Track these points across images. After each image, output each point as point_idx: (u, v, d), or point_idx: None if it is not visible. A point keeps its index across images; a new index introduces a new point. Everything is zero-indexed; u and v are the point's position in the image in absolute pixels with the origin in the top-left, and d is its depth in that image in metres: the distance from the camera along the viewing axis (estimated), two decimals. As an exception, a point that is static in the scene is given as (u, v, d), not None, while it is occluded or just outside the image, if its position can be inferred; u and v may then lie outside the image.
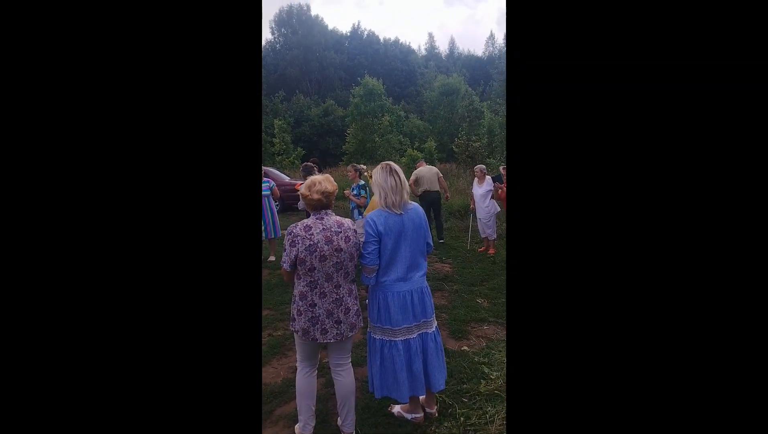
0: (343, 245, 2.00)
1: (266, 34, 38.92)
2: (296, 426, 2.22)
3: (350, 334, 2.08)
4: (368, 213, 2.20)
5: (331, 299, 2.01)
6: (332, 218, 2.04)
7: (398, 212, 2.08)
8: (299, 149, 20.18)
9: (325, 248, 1.96)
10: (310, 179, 2.05)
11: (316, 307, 2.00)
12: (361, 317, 2.14)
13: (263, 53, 34.23)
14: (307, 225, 2.00)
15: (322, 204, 2.02)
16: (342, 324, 2.04)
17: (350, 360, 2.21)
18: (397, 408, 2.37)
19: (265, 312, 4.11)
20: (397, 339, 2.13)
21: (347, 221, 2.08)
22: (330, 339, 2.03)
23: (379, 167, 2.17)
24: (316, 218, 2.02)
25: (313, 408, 2.17)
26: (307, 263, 1.97)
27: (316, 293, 2.00)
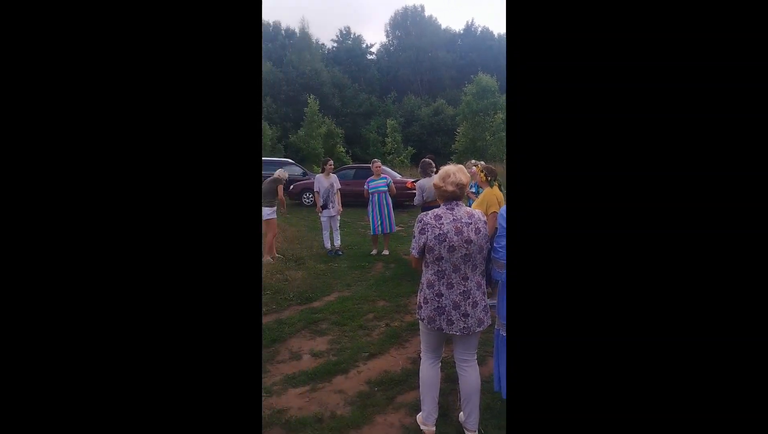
0: (473, 236, 1.95)
1: (381, 37, 40.19)
2: (419, 416, 2.24)
3: (477, 330, 2.03)
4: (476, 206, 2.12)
5: (459, 291, 1.98)
6: (462, 209, 2.00)
7: None
8: (410, 148, 20.51)
9: (455, 238, 1.94)
10: (444, 170, 2.04)
11: (443, 297, 1.99)
12: (489, 314, 2.07)
13: (377, 56, 35.48)
14: (437, 214, 1.99)
15: (455, 196, 2.00)
16: (470, 318, 1.99)
17: (476, 357, 2.16)
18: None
19: (381, 303, 4.25)
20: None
21: (477, 213, 2.02)
22: (455, 331, 2.00)
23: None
24: (447, 209, 2.00)
25: (437, 400, 2.17)
26: (435, 252, 1.96)
27: (443, 284, 1.99)
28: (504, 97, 21.89)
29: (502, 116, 19.97)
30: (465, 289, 1.99)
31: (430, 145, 26.15)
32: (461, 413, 2.20)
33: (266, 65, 25.96)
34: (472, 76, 21.96)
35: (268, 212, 5.95)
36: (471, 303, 2.00)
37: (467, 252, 1.96)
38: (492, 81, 20.80)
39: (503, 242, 2.00)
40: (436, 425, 2.20)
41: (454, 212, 1.98)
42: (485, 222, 2.02)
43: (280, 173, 6.30)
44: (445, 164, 2.20)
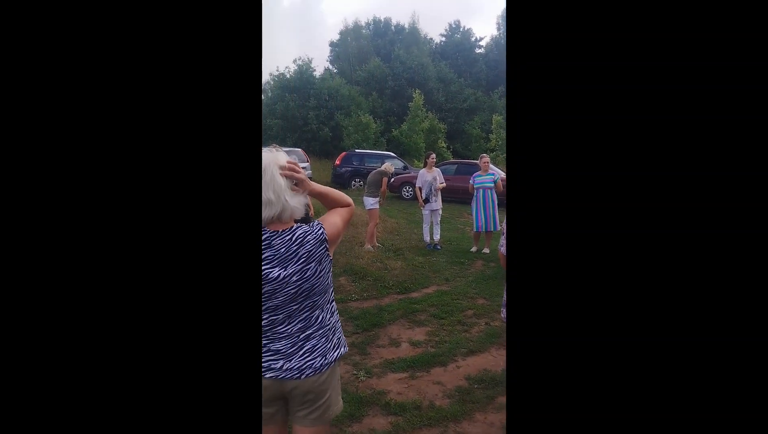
0: None
1: (491, 30, 38.95)
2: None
3: None
4: None
5: None
6: None
7: None
8: (514, 145, 19.68)
9: None
10: None
11: None
12: None
13: (485, 50, 34.46)
14: None
15: None
16: None
17: None
18: None
19: (480, 301, 4.16)
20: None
21: None
22: None
23: None
24: None
25: None
26: None
27: None
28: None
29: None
30: None
31: (536, 143, 24.75)
32: None
33: (374, 61, 26.72)
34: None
35: (371, 202, 6.14)
36: None
37: None
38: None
39: None
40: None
41: None
42: None
43: (387, 166, 6.46)
44: None
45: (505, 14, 37.66)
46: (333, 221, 1.40)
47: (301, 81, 22.12)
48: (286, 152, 1.44)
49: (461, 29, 34.69)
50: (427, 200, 6.17)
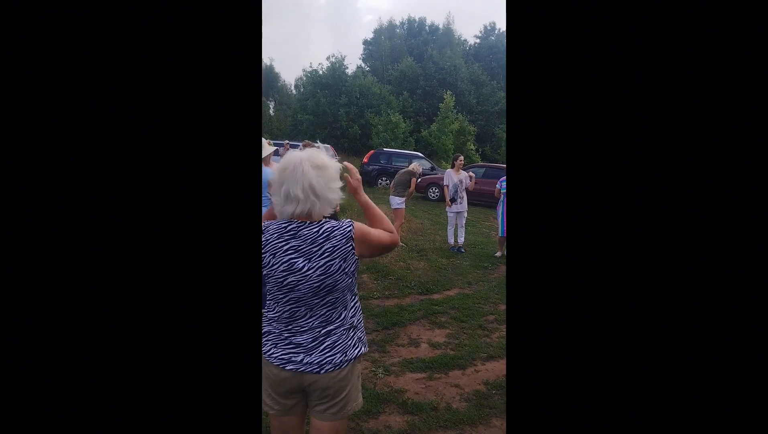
0: None
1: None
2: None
3: None
4: None
5: None
6: None
7: None
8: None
9: None
10: None
11: None
12: None
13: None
14: None
15: None
16: None
17: None
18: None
19: (503, 307, 4.11)
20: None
21: None
22: None
23: None
24: None
25: None
26: None
27: None
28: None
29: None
30: None
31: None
32: None
33: (407, 60, 26.69)
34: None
35: (397, 202, 6.15)
36: None
37: None
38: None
39: None
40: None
41: None
42: None
43: (415, 166, 6.45)
44: None
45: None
46: (367, 230, 1.39)
47: (334, 78, 22.31)
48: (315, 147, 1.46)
49: (496, 31, 34.23)
50: (453, 201, 6.14)
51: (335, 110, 21.24)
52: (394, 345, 3.19)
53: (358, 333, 1.42)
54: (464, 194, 6.17)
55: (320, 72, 22.91)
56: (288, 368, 1.34)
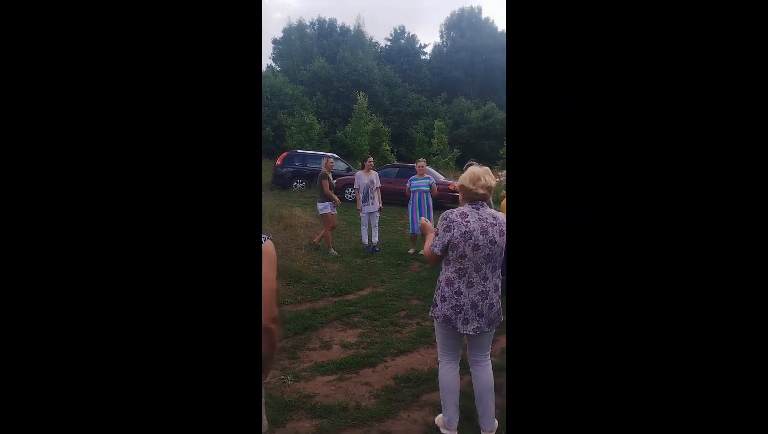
0: (497, 238, 1.97)
1: (435, 38, 39.93)
2: (439, 418, 2.24)
3: (486, 329, 2.03)
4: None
5: (478, 291, 1.98)
6: (487, 210, 2.02)
7: None
8: (456, 150, 20.31)
9: (480, 237, 1.95)
10: (473, 172, 2.04)
11: (462, 296, 1.99)
12: (500, 316, 2.07)
13: (430, 56, 35.30)
14: (463, 212, 2.00)
15: (484, 198, 2.03)
16: (483, 318, 2.00)
17: (489, 357, 2.16)
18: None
19: (414, 302, 4.25)
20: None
21: (502, 215, 2.03)
22: (470, 331, 2.00)
23: None
24: (473, 207, 2.01)
25: (458, 404, 2.15)
26: (459, 250, 1.97)
27: (463, 282, 1.99)
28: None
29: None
30: (484, 289, 1.99)
31: (477, 148, 25.74)
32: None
33: (319, 61, 26.48)
34: (525, 80, 21.38)
35: (320, 207, 6.07)
36: (488, 304, 2.01)
37: (490, 252, 1.97)
38: (546, 87, 20.17)
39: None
40: (460, 428, 2.18)
41: (479, 212, 2.00)
42: (505, 224, 2.01)
43: (324, 163, 6.34)
44: (491, 169, 2.20)
45: (448, 23, 38.74)
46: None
47: (243, 78, 21.39)
48: None
49: (406, 35, 35.24)
50: (364, 202, 6.22)
51: (246, 111, 20.38)
52: (306, 350, 3.16)
53: None
54: (375, 195, 6.28)
55: (228, 71, 21.84)
56: None
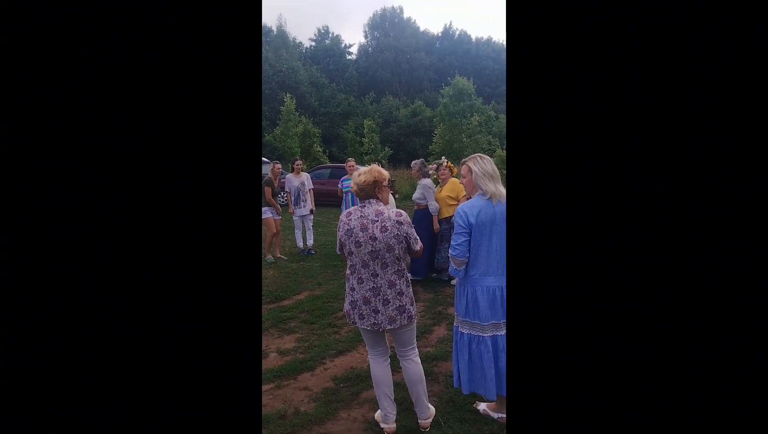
0: (378, 234, 1.99)
1: (359, 38, 40.12)
2: (377, 414, 2.27)
3: (389, 327, 2.04)
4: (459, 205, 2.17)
5: (368, 287, 2.03)
6: (372, 208, 2.05)
7: (494, 203, 2.05)
8: (387, 148, 20.56)
9: (360, 234, 2.01)
10: (357, 170, 2.12)
11: (355, 292, 2.07)
12: (406, 314, 2.06)
13: (356, 56, 35.43)
14: (348, 211, 2.11)
15: (361, 195, 2.09)
16: (380, 315, 2.03)
17: (415, 349, 2.20)
18: (482, 406, 2.32)
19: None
20: (485, 335, 2.08)
21: (390, 212, 2.04)
22: (366, 326, 2.05)
23: (476, 156, 2.17)
24: (360, 206, 2.09)
25: (391, 397, 2.19)
26: (346, 247, 2.06)
27: (355, 278, 2.07)
28: (480, 100, 22.24)
29: (478, 118, 20.24)
30: (375, 285, 2.03)
31: (407, 146, 26.27)
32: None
33: (243, 63, 25.57)
34: (449, 78, 22.19)
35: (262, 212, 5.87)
36: (381, 300, 2.03)
37: (373, 249, 2.00)
38: (469, 84, 21.06)
39: (460, 240, 2.05)
40: (399, 420, 2.22)
41: (364, 210, 2.06)
42: (399, 223, 2.02)
43: (270, 168, 6.17)
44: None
45: (371, 23, 39.10)
46: None
47: (159, 82, 20.14)
48: None
49: (330, 35, 35.08)
50: (296, 205, 6.12)
51: (165, 117, 19.21)
52: (241, 362, 3.05)
53: None
54: (307, 197, 6.20)
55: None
56: None
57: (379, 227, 2.00)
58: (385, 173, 2.14)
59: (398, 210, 2.09)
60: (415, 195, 4.72)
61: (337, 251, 2.14)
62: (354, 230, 2.02)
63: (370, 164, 2.35)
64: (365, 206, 2.07)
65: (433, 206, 4.59)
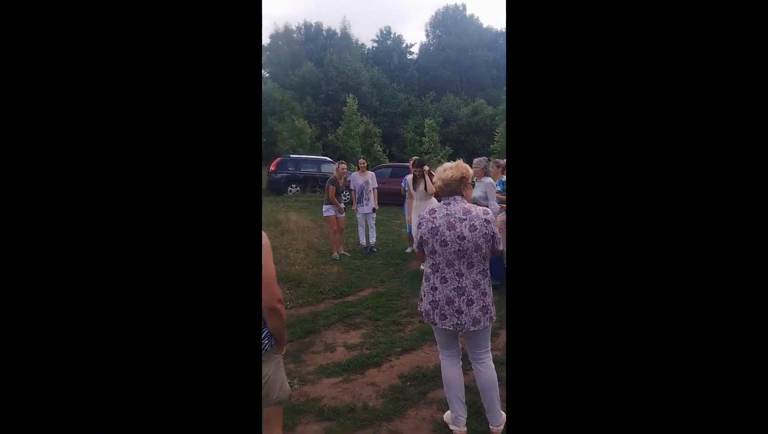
0: (466, 233, 1.93)
1: (421, 37, 40.04)
2: (447, 415, 2.23)
3: (472, 328, 1.97)
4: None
5: (452, 287, 1.97)
6: (458, 205, 2.00)
7: None
8: (447, 147, 20.35)
9: (447, 233, 1.94)
10: (439, 169, 2.07)
11: (437, 291, 2.00)
12: (489, 315, 2.00)
13: (417, 56, 35.38)
14: (432, 209, 2.04)
15: (444, 191, 2.04)
16: (464, 315, 1.97)
17: (489, 353, 2.13)
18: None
19: (415, 300, 4.25)
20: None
21: (479, 210, 1.98)
22: (448, 326, 1.99)
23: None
24: (443, 203, 2.03)
25: (463, 400, 2.14)
26: (429, 246, 2.00)
27: (437, 277, 2.00)
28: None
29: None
30: (459, 285, 1.97)
31: (468, 145, 25.82)
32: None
33: (307, 65, 26.47)
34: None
35: (324, 209, 6.06)
36: (466, 301, 1.97)
37: (460, 248, 1.94)
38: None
39: None
40: (469, 423, 2.18)
41: (449, 207, 2.00)
42: (487, 221, 1.96)
43: (336, 167, 6.36)
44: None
45: (434, 21, 38.88)
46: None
47: (231, 85, 21.40)
48: None
49: (392, 35, 35.32)
50: (359, 203, 6.21)
51: (236, 118, 20.38)
52: (310, 353, 3.14)
53: (266, 329, 1.50)
54: (370, 195, 6.27)
55: (216, 80, 21.85)
56: None
57: (467, 225, 1.95)
58: (471, 169, 2.10)
59: (484, 208, 2.05)
60: (477, 193, 4.59)
61: (415, 248, 2.10)
62: (440, 229, 1.97)
63: (428, 164, 2.34)
64: (450, 203, 2.02)
65: (494, 206, 4.44)
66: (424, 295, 2.07)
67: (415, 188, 5.36)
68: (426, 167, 5.24)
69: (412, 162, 6.21)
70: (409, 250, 6.28)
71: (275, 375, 1.56)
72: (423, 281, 2.09)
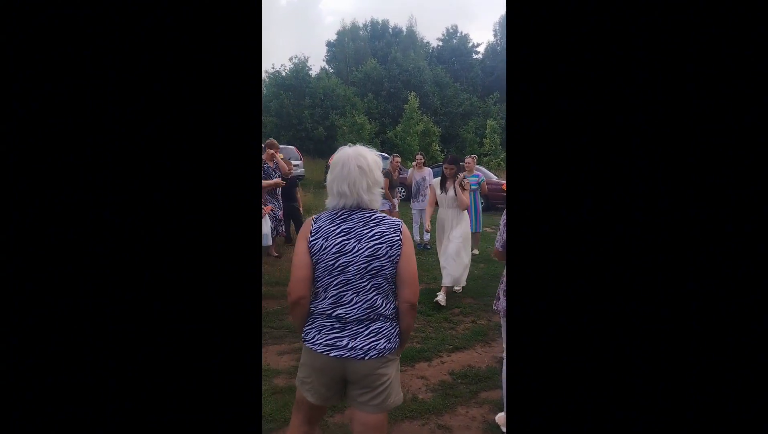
0: None
1: (488, 37, 39.22)
2: (500, 417, 2.17)
3: None
4: None
5: None
6: None
7: None
8: (507, 151, 19.79)
9: None
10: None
11: None
12: None
13: (483, 56, 34.66)
14: None
15: None
16: None
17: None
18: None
19: (468, 300, 4.17)
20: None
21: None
22: None
23: None
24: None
25: None
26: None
27: None
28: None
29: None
30: None
31: (529, 149, 24.88)
32: None
33: (371, 62, 26.74)
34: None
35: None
36: None
37: None
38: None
39: None
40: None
41: None
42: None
43: (390, 161, 6.40)
44: None
45: (503, 21, 37.93)
46: (411, 241, 1.43)
47: (297, 79, 22.09)
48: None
49: (458, 34, 34.87)
50: (415, 198, 6.19)
51: (299, 111, 21.01)
52: (361, 341, 3.17)
53: (396, 326, 1.43)
54: (427, 192, 6.22)
55: (283, 73, 22.64)
56: (332, 354, 1.35)
57: None
58: None
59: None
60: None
61: (499, 247, 2.03)
62: None
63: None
64: None
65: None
66: (503, 294, 2.04)
67: (442, 190, 4.14)
68: (461, 175, 4.06)
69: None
70: (475, 252, 6.17)
71: (395, 380, 1.43)
72: (503, 280, 2.05)
